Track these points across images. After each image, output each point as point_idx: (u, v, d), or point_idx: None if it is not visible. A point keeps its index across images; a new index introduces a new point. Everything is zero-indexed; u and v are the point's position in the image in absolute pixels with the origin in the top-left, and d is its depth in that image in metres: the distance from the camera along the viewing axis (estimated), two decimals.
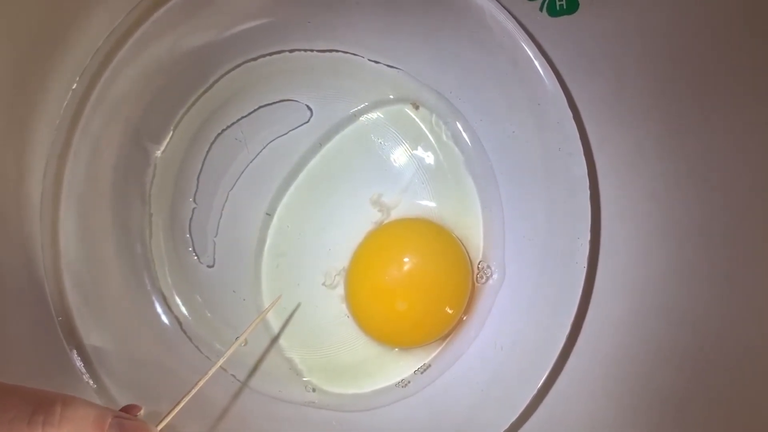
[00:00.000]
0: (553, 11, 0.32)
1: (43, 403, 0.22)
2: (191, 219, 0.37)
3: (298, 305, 0.37)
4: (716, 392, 0.31)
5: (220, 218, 0.37)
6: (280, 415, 0.35)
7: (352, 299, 0.36)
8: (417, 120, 0.37)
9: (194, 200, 0.37)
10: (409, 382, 0.35)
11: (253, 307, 0.37)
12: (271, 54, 0.36)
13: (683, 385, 0.31)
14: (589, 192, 0.30)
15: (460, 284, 0.35)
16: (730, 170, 0.31)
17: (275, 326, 0.37)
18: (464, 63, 0.34)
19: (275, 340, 0.37)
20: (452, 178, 0.36)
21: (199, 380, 0.29)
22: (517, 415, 0.31)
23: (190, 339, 0.36)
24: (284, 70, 0.36)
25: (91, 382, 0.32)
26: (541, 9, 0.32)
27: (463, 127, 0.36)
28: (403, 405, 0.35)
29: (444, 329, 0.35)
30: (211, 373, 0.29)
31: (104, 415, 0.23)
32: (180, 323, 0.36)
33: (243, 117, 0.37)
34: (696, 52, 0.31)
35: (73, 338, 0.33)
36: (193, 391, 0.28)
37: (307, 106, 0.37)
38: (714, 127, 0.31)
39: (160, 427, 0.25)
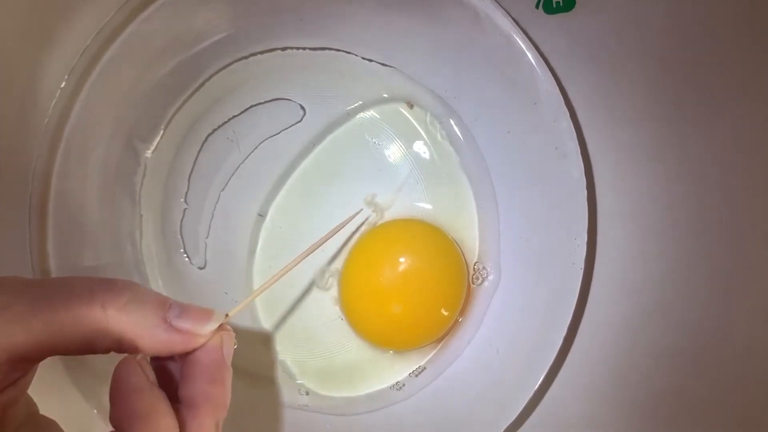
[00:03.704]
0: (550, 9, 0.32)
1: (103, 280, 0.22)
2: (182, 220, 0.36)
3: (291, 307, 0.36)
4: (713, 394, 0.31)
5: (212, 219, 0.36)
6: (272, 418, 0.35)
7: (346, 301, 0.36)
8: (411, 119, 0.36)
9: (185, 201, 0.36)
10: (403, 384, 0.35)
11: (246, 308, 0.36)
12: (263, 52, 0.36)
13: (680, 386, 0.31)
14: (585, 192, 0.30)
15: (456, 286, 0.35)
16: (728, 169, 0.31)
17: (268, 328, 0.36)
18: (459, 61, 0.34)
19: (268, 342, 0.36)
20: (447, 178, 0.36)
21: (280, 272, 0.28)
22: (513, 419, 0.31)
23: None
24: (276, 68, 0.36)
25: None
26: (537, 6, 0.32)
27: (458, 126, 0.36)
28: (398, 408, 0.35)
29: (439, 331, 0.35)
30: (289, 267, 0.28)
31: (165, 297, 0.23)
32: None
33: (234, 116, 0.36)
34: (693, 50, 0.31)
35: None
36: (271, 283, 0.27)
37: (300, 106, 0.37)
38: (711, 126, 0.31)
39: (232, 313, 0.25)
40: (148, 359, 0.22)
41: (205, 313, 0.23)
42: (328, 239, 0.31)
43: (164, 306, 0.22)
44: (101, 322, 0.20)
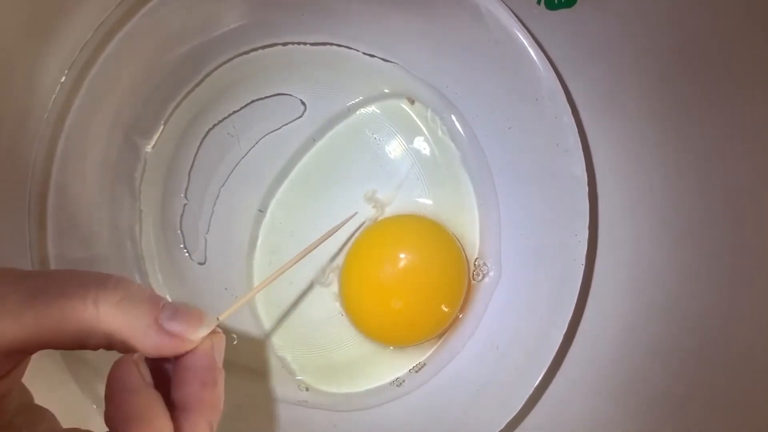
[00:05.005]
0: (551, 4, 0.32)
1: (96, 275, 0.21)
2: (182, 215, 0.36)
3: (291, 303, 0.36)
4: (714, 391, 0.31)
5: (212, 214, 0.36)
6: (272, 414, 0.35)
7: (346, 297, 0.36)
8: (412, 115, 0.36)
9: (185, 196, 0.36)
10: (403, 381, 0.35)
11: (246, 304, 0.36)
12: (263, 47, 0.36)
13: (681, 384, 0.31)
14: (586, 188, 0.30)
15: (456, 282, 0.35)
16: (730, 166, 0.31)
17: (267, 324, 0.36)
18: (460, 57, 0.34)
19: (267, 338, 0.36)
20: (448, 174, 0.36)
21: (276, 272, 0.28)
22: (513, 415, 0.31)
23: None
24: (277, 63, 0.36)
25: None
26: (539, 2, 0.32)
27: (459, 122, 0.36)
28: (398, 404, 0.35)
29: (439, 327, 0.35)
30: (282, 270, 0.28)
31: (159, 295, 0.22)
32: None
33: (235, 111, 0.36)
34: (696, 46, 0.31)
35: None
36: (265, 284, 0.27)
37: (301, 101, 0.37)
38: (714, 122, 0.31)
39: (222, 317, 0.24)
40: (144, 359, 0.22)
41: (197, 317, 0.23)
42: (321, 243, 0.31)
43: (157, 306, 0.22)
44: (93, 320, 0.20)
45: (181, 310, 0.22)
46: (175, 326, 0.22)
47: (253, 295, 0.28)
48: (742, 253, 0.31)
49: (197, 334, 0.22)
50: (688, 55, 0.31)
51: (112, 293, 0.21)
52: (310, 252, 0.30)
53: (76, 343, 0.21)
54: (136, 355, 0.21)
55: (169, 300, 0.22)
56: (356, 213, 0.35)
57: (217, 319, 0.24)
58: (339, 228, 0.32)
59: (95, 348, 0.21)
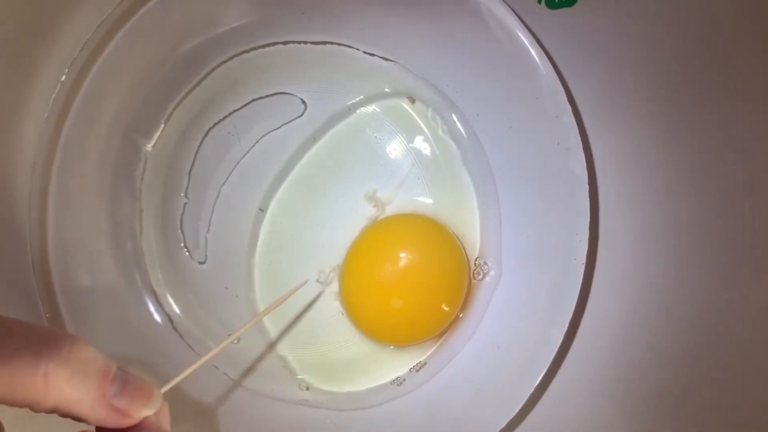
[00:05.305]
0: (552, 3, 0.32)
1: (50, 338, 0.21)
2: (182, 214, 0.36)
3: (292, 302, 0.36)
4: (713, 391, 0.31)
5: (212, 214, 0.36)
6: (272, 413, 0.35)
7: (346, 296, 0.36)
8: (413, 114, 0.36)
9: (186, 195, 0.36)
10: (404, 380, 0.35)
11: (246, 304, 0.36)
12: (264, 46, 0.36)
13: (681, 383, 0.31)
14: (587, 188, 0.30)
15: (457, 281, 0.35)
16: (730, 165, 0.31)
17: (268, 323, 0.36)
18: (461, 56, 0.33)
19: (268, 337, 0.36)
20: (448, 173, 0.36)
21: (216, 348, 0.28)
22: (513, 414, 0.31)
23: (182, 336, 0.36)
24: (278, 62, 0.36)
25: None
26: (539, 1, 0.32)
27: (459, 121, 0.36)
28: (398, 403, 0.35)
29: (440, 327, 0.35)
30: (224, 345, 0.28)
31: (110, 363, 0.22)
32: (171, 321, 0.36)
33: (235, 110, 0.36)
34: (697, 45, 0.31)
35: None
36: (204, 360, 0.27)
37: (301, 100, 0.37)
38: (714, 122, 0.31)
39: (164, 390, 0.24)
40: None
41: (145, 394, 0.23)
42: (272, 310, 0.31)
43: (107, 379, 0.22)
44: (42, 392, 0.20)
45: (128, 385, 0.22)
46: (121, 402, 0.22)
47: (206, 360, 0.28)
48: (741, 252, 0.31)
49: (142, 412, 0.23)
50: (688, 54, 0.31)
51: (63, 366, 0.20)
52: (264, 316, 0.31)
53: (25, 407, 0.20)
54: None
55: (121, 372, 0.22)
56: (307, 280, 0.34)
57: (162, 394, 0.24)
58: (290, 295, 0.32)
59: (46, 412, 0.21)
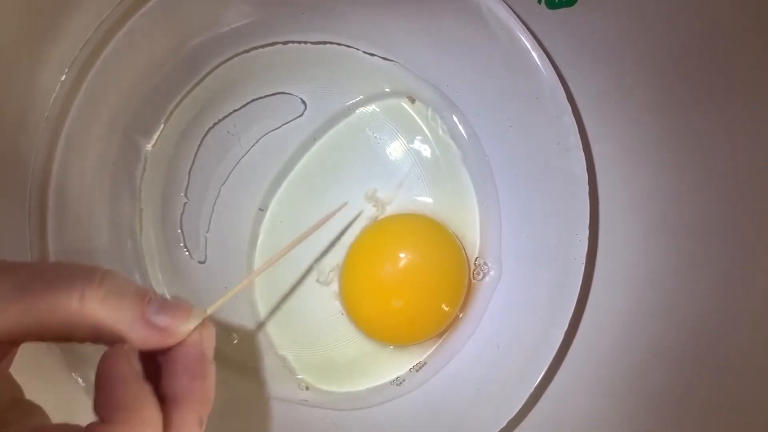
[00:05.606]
0: (552, 3, 0.32)
1: (83, 268, 0.21)
2: (182, 214, 0.36)
3: (291, 302, 0.36)
4: (713, 390, 0.31)
5: (212, 213, 0.36)
6: (272, 413, 0.35)
7: (346, 296, 0.36)
8: (413, 114, 0.36)
9: (185, 195, 0.36)
10: (404, 380, 0.35)
11: (246, 303, 0.36)
12: (264, 46, 0.36)
13: (680, 383, 0.31)
14: (587, 187, 0.30)
15: (457, 281, 0.35)
16: (730, 165, 0.31)
17: (268, 323, 0.36)
18: (461, 56, 0.33)
19: (268, 337, 0.36)
20: (448, 173, 0.36)
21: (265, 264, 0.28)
22: (513, 414, 0.31)
23: None
24: (278, 62, 0.36)
25: (80, 380, 0.32)
26: (539, 1, 0.32)
27: (459, 121, 0.36)
28: (398, 403, 0.35)
29: (440, 326, 0.35)
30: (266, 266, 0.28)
31: (146, 288, 0.22)
32: None
33: (235, 110, 0.36)
34: (696, 45, 0.31)
35: None
36: (253, 277, 0.27)
37: (301, 100, 0.37)
38: (714, 122, 0.31)
39: (210, 311, 0.24)
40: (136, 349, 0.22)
41: (184, 310, 0.23)
42: (314, 231, 0.31)
43: (143, 300, 0.22)
44: (78, 314, 0.20)
45: (168, 304, 0.22)
46: (161, 320, 0.22)
47: (244, 285, 0.27)
48: (741, 252, 0.31)
49: (184, 327, 0.22)
50: (688, 54, 0.31)
51: (97, 288, 0.21)
52: (303, 240, 0.30)
53: (62, 336, 0.21)
54: (126, 346, 0.21)
55: (160, 294, 0.22)
56: (346, 203, 0.34)
57: (206, 311, 0.24)
58: (332, 217, 0.32)
59: (82, 341, 0.21)
